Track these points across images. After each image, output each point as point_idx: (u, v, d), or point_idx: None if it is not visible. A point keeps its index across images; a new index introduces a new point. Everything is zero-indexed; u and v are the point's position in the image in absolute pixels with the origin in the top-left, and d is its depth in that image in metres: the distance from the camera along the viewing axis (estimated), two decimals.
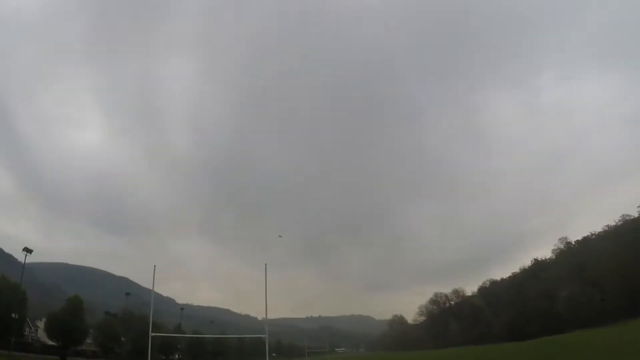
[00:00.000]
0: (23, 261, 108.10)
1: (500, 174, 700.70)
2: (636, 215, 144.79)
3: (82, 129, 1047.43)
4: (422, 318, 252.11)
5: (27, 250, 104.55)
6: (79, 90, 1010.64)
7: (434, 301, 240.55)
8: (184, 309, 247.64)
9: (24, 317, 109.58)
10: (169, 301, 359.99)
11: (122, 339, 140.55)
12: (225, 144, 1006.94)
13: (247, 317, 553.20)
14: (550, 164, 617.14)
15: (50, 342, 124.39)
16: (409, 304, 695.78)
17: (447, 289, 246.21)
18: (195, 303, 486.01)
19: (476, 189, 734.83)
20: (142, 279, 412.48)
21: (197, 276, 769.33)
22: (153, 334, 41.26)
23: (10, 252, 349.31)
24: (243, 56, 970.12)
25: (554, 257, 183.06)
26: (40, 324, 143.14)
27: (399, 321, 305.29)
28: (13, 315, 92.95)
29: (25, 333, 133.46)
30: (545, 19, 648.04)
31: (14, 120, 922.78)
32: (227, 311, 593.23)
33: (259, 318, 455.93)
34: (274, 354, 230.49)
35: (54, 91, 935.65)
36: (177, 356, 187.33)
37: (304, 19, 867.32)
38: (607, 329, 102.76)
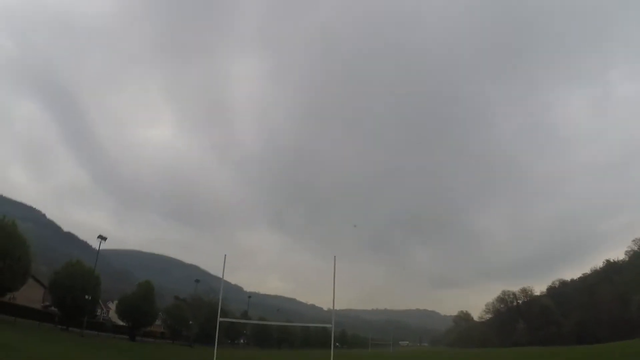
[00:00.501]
0: (97, 248, 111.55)
1: (572, 172, 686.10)
2: None
3: (153, 127, 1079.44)
4: (489, 316, 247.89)
5: (102, 238, 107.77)
6: (149, 90, 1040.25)
7: (502, 299, 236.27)
8: (251, 297, 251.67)
9: (97, 299, 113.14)
10: (237, 289, 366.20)
11: (190, 322, 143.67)
12: (293, 140, 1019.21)
13: (312, 306, 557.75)
14: (622, 162, 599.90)
15: (121, 323, 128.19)
16: (476, 301, 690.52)
17: (514, 287, 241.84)
18: (263, 292, 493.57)
19: (547, 187, 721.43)
20: (211, 267, 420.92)
21: (265, 266, 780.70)
22: (221, 319, 42.34)
23: (85, 239, 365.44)
24: (309, 54, 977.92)
25: (627, 259, 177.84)
26: (112, 306, 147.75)
27: (464, 317, 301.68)
28: (87, 296, 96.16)
29: (97, 314, 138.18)
30: (614, 11, 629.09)
31: (89, 120, 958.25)
32: (293, 300, 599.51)
33: (325, 308, 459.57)
34: (337, 344, 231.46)
35: (126, 92, 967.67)
36: (242, 341, 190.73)
37: (369, 16, 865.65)
38: None
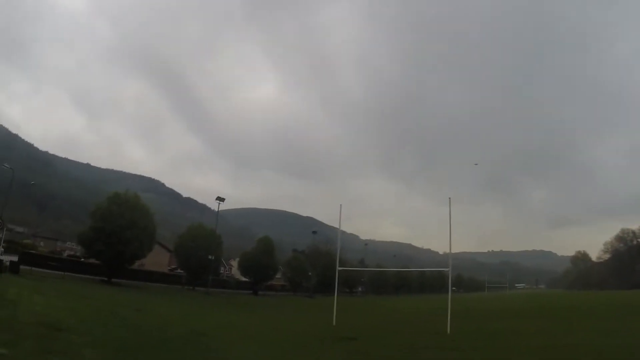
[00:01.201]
0: (217, 209, 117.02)
1: None
2: None
3: (257, 87, 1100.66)
4: (607, 256, 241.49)
5: (220, 199, 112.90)
6: (248, 51, 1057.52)
7: (620, 238, 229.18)
8: (368, 245, 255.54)
9: (220, 257, 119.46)
10: (353, 238, 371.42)
11: (309, 273, 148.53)
12: (397, 83, 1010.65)
13: (428, 251, 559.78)
14: None
15: (244, 279, 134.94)
16: (594, 240, 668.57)
17: (634, 225, 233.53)
18: (378, 239, 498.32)
19: None
20: (326, 218, 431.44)
21: (379, 213, 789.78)
22: (339, 268, 45.12)
23: (204, 203, 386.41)
24: None
25: None
26: (234, 263, 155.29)
27: (582, 258, 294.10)
28: (210, 256, 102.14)
29: (221, 272, 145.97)
30: None
31: (194, 90, 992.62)
32: (409, 246, 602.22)
33: (441, 252, 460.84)
34: (454, 288, 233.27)
35: (225, 57, 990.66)
36: (360, 289, 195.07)
37: None
38: None
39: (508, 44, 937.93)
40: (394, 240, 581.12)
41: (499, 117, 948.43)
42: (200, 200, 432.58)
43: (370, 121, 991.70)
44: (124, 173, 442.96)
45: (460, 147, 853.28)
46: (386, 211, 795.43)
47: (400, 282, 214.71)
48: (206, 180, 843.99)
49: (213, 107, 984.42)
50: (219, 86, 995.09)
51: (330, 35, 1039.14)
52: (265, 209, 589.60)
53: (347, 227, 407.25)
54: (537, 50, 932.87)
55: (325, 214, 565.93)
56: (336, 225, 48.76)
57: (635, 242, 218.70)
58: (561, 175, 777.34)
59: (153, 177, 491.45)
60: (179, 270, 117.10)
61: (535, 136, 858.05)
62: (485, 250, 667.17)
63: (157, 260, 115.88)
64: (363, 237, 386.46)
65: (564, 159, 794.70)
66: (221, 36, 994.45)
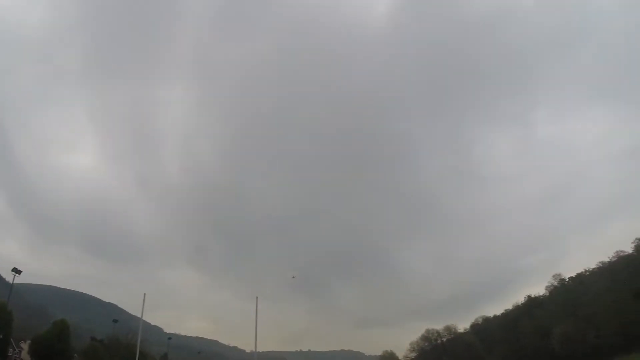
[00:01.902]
0: (11, 281, 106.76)
1: (495, 211, 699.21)
2: (630, 251, 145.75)
3: (76, 152, 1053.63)
4: (413, 354, 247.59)
5: (16, 271, 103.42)
6: (74, 113, 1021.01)
7: (426, 337, 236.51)
8: (172, 339, 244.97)
9: (9, 337, 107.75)
10: (157, 330, 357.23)
11: None
12: (217, 174, 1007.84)
13: (235, 349, 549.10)
14: (545, 200, 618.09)
15: None
16: (400, 340, 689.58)
17: (439, 326, 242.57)
18: (183, 333, 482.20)
19: (470, 226, 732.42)
20: (130, 306, 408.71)
21: (185, 306, 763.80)
22: None
23: None
24: (239, 88, 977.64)
25: (547, 294, 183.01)
26: (25, 346, 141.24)
27: (389, 357, 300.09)
28: None
29: (9, 354, 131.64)
30: (539, 55, 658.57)
31: (9, 139, 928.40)
32: (215, 342, 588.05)
33: (247, 350, 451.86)
34: None
35: (51, 113, 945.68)
36: None
37: (299, 55, 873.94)
38: None
39: (330, 151, 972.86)
40: (200, 335, 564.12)
41: (313, 218, 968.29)
42: None
43: (185, 208, 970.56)
44: None
45: (273, 244, 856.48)
46: (192, 304, 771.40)
47: None
48: (4, 245, 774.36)
49: (27, 164, 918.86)
50: (37, 141, 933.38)
51: (159, 114, 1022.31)
52: (66, 289, 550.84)
53: (152, 319, 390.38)
54: (358, 160, 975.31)
55: (129, 302, 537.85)
56: (139, 315, 43.87)
57: (439, 341, 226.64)
58: (371, 278, 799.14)
59: None
60: None
61: (349, 239, 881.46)
62: (294, 350, 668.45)
63: None
64: (167, 330, 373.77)
65: (374, 263, 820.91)
66: (52, 92, 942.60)
